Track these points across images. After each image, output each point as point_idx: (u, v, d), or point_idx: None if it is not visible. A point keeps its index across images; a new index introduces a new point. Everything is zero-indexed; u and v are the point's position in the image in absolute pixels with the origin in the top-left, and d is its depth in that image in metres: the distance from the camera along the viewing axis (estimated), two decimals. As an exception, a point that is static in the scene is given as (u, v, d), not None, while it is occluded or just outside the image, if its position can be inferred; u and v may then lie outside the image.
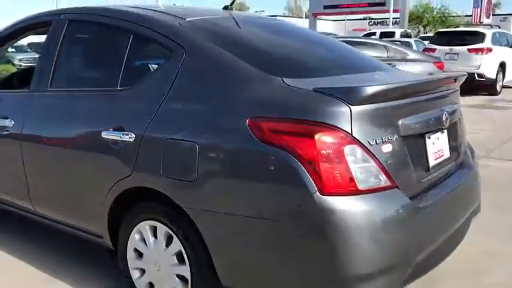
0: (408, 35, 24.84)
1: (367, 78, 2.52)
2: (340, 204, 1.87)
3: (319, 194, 1.86)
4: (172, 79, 2.35)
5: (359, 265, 1.89)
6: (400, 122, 2.08)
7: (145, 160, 2.31)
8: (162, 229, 2.33)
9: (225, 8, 3.04)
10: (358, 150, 1.92)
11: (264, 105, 2.07)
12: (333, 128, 1.90)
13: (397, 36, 23.96)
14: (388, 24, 41.76)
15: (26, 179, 2.98)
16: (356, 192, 1.90)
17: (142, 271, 2.49)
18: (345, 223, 1.86)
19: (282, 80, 2.12)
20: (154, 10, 2.77)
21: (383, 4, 37.33)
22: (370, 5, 40.80)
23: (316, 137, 1.89)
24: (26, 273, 3.05)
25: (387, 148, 2.01)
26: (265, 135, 1.97)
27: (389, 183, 2.00)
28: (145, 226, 2.40)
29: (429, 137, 2.30)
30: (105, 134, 2.46)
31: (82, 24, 2.95)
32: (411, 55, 9.89)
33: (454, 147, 2.58)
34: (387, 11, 36.41)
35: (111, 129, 2.44)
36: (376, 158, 1.96)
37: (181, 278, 2.31)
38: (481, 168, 2.90)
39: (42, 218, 3.05)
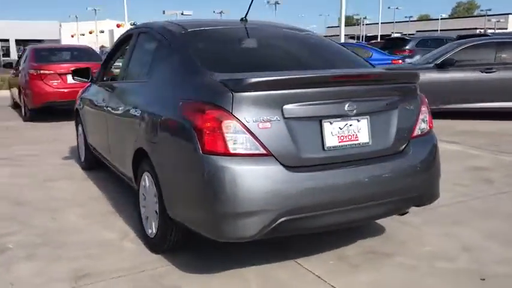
0: None
1: (286, 73, 2.97)
2: (215, 161, 2.61)
3: (201, 152, 2.64)
4: (165, 76, 3.34)
5: (223, 204, 2.60)
6: (284, 107, 2.68)
7: (141, 129, 3.35)
8: (150, 177, 3.34)
9: (241, 19, 3.87)
10: (235, 124, 2.62)
11: (191, 91, 2.92)
12: (217, 107, 2.65)
13: None
14: None
15: (108, 140, 4.34)
16: (229, 154, 2.61)
17: (145, 208, 3.53)
18: (217, 174, 2.60)
19: (211, 74, 2.91)
20: (177, 24, 3.78)
21: None
22: None
23: (205, 112, 2.66)
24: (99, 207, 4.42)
25: (265, 125, 2.64)
26: (184, 112, 2.82)
27: (263, 152, 2.64)
28: (145, 176, 3.44)
29: (331, 122, 2.80)
30: (131, 111, 3.59)
31: (142, 36, 4.15)
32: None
33: (380, 135, 2.96)
34: None
35: (133, 108, 3.55)
36: (252, 132, 2.62)
37: (156, 212, 3.28)
38: None
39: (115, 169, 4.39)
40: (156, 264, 3.20)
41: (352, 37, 50.45)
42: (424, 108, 3.22)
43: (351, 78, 2.97)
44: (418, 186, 3.07)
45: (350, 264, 3.18)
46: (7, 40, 72.84)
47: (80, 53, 11.36)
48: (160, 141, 3.05)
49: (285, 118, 2.69)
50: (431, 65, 9.21)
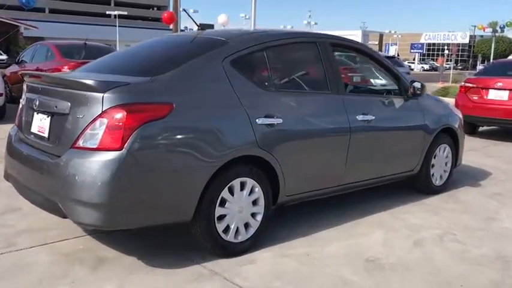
0: None
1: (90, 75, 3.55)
2: None
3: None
4: None
5: None
6: (26, 95, 3.63)
7: None
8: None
9: (198, 29, 4.11)
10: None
11: None
12: None
13: None
14: None
15: None
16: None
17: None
18: None
19: None
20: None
21: None
22: None
23: None
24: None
25: (20, 106, 3.73)
26: None
27: (16, 123, 3.76)
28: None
29: (37, 113, 3.41)
30: None
31: None
32: None
33: (54, 135, 3.20)
34: None
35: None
36: (21, 107, 3.77)
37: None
38: None
39: None
40: None
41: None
42: (100, 122, 2.90)
43: (38, 79, 3.48)
44: (55, 194, 3.03)
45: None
46: None
47: None
48: None
49: (26, 103, 3.63)
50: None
